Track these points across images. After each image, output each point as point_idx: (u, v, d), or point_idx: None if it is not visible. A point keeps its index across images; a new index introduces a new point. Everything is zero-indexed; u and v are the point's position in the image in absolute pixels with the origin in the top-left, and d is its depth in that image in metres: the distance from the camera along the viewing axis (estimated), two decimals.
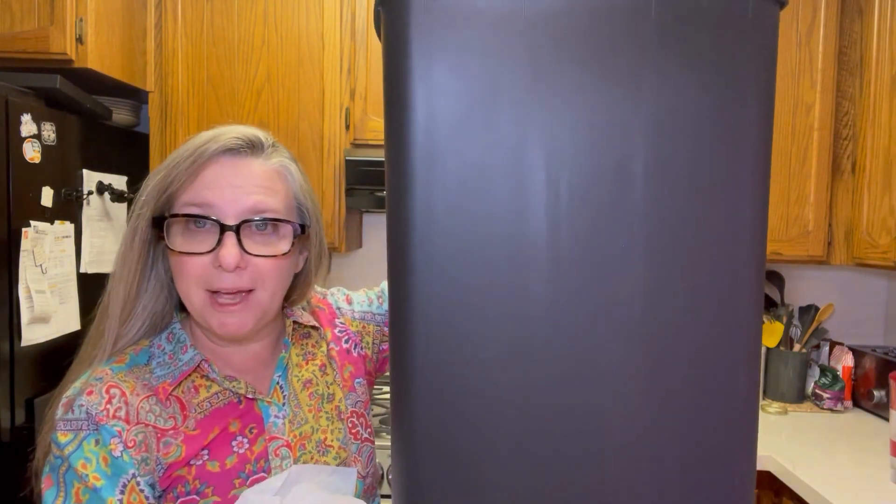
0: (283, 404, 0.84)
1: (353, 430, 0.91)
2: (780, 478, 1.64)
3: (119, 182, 1.96)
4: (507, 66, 0.47)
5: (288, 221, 0.79)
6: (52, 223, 1.65)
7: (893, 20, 1.83)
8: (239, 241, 0.74)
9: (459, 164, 0.47)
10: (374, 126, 2.02)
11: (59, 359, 1.74)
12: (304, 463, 0.82)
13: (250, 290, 0.76)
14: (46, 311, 1.62)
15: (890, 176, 1.82)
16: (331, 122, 2.01)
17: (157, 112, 2.02)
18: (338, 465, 0.86)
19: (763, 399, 2.20)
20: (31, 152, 1.58)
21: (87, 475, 0.70)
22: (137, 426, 0.74)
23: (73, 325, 1.75)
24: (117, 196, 1.90)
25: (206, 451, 0.77)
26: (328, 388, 0.90)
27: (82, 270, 1.79)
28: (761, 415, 2.06)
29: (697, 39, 0.48)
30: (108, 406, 0.73)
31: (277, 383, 0.85)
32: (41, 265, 1.60)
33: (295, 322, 0.91)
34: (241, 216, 0.75)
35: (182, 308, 0.84)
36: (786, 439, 1.83)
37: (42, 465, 0.75)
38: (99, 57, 1.79)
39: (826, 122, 2.02)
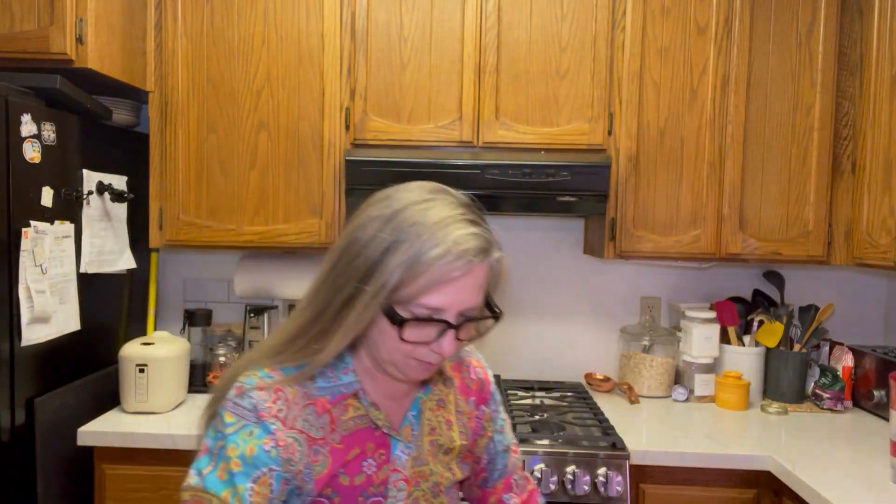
0: (411, 443, 0.95)
1: (456, 483, 1.02)
2: (780, 478, 1.64)
3: (119, 182, 1.96)
4: None
5: (493, 318, 0.89)
6: (52, 223, 1.65)
7: (893, 20, 1.83)
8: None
9: None
10: (374, 126, 2.02)
11: (59, 359, 1.74)
12: (415, 499, 0.94)
13: None
14: (46, 311, 1.61)
15: (890, 176, 1.82)
16: (331, 122, 2.01)
17: (157, 112, 2.02)
18: None
19: (763, 399, 2.20)
20: (31, 152, 1.58)
21: (230, 457, 0.82)
22: (292, 430, 0.86)
23: (73, 325, 1.75)
24: (117, 196, 1.90)
25: (342, 465, 0.89)
26: (450, 441, 1.00)
27: (82, 270, 1.79)
28: (762, 415, 2.06)
29: None
30: (272, 405, 0.85)
31: (410, 421, 0.96)
32: (41, 265, 1.60)
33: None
34: (462, 317, 0.84)
35: None
36: (786, 439, 1.83)
37: (205, 424, 0.89)
38: (99, 57, 1.79)
39: (826, 122, 2.02)
